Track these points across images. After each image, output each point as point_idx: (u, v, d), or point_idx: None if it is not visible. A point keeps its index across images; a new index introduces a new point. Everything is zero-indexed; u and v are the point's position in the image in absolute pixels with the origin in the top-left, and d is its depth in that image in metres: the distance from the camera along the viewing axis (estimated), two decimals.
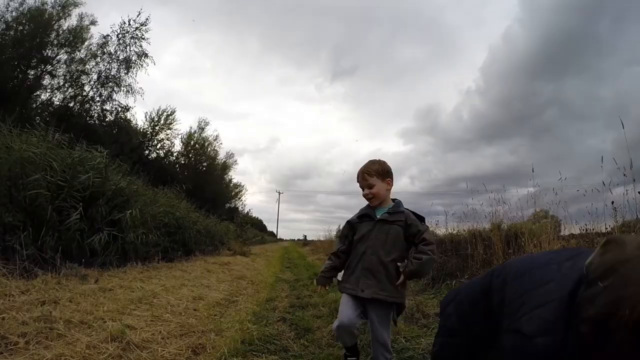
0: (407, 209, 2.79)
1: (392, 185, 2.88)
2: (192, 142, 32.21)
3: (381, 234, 2.71)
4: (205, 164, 33.29)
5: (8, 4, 16.58)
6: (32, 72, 17.82)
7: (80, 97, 19.33)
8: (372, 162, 2.89)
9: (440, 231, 8.92)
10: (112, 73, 19.85)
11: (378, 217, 2.77)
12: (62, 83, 18.75)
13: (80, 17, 19.26)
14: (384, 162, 2.92)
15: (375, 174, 2.84)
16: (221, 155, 36.71)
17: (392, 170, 2.92)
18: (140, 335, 3.44)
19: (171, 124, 26.46)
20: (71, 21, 18.92)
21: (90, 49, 19.57)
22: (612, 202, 4.14)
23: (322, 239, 22.46)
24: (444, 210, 13.97)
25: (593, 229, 4.61)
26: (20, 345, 2.83)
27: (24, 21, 17.01)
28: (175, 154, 29.82)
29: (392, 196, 2.90)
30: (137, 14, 19.92)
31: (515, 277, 1.20)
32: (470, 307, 1.38)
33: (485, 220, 6.87)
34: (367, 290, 2.60)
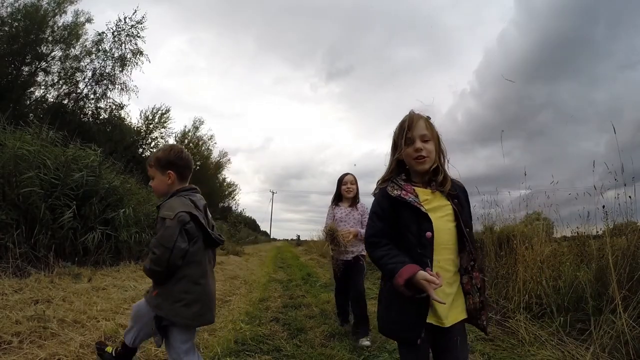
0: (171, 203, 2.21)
1: (176, 178, 2.31)
2: (186, 141, 32.19)
3: None
4: (198, 163, 33.28)
5: None
6: (27, 69, 17.72)
7: (74, 94, 19.24)
8: (158, 149, 2.42)
9: None
10: (106, 70, 19.77)
11: None
12: (56, 80, 18.68)
13: (76, 14, 19.20)
14: (172, 148, 2.38)
15: (154, 163, 2.32)
16: (215, 154, 36.75)
17: (181, 161, 2.32)
18: None
19: (165, 122, 26.38)
20: (66, 18, 18.85)
21: (85, 46, 19.49)
22: (604, 206, 4.18)
23: (315, 239, 22.45)
24: None
25: (584, 232, 4.66)
26: (14, 345, 2.83)
27: (18, 17, 16.89)
28: None
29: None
30: (133, 11, 19.84)
31: None
32: None
33: (477, 222, 6.89)
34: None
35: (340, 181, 4.37)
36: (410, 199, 1.69)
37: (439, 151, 1.82)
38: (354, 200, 4.35)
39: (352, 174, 4.40)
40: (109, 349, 2.69)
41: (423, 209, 1.67)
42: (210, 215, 2.42)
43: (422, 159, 1.74)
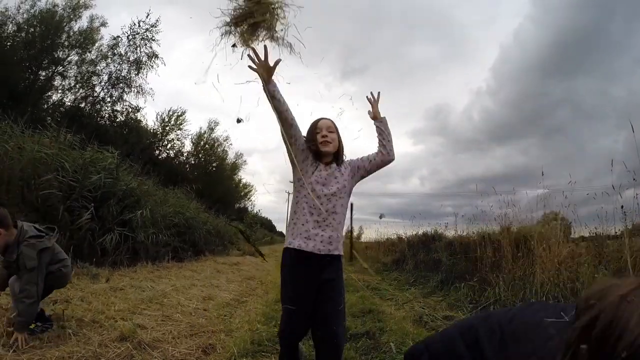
0: None
1: (5, 230, 2.90)
2: (202, 143, 32.29)
3: None
4: (215, 164, 33.37)
5: (19, 6, 16.77)
6: (43, 73, 17.98)
7: (91, 97, 19.47)
8: None
9: (450, 233, 8.95)
10: (122, 74, 19.98)
11: None
12: (73, 84, 18.92)
13: (91, 19, 19.41)
14: None
15: None
16: (231, 156, 36.82)
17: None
18: (151, 334, 3.48)
19: (181, 124, 26.59)
20: (82, 23, 19.06)
21: (101, 50, 19.72)
22: (622, 207, 4.12)
23: None
24: (453, 212, 13.87)
25: (603, 233, 4.59)
26: (35, 344, 2.88)
27: (35, 23, 17.16)
28: (185, 154, 29.94)
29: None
30: (146, 15, 20.01)
31: (513, 340, 1.00)
32: None
33: (494, 222, 6.83)
34: None
35: (314, 128, 2.47)
36: None
37: None
38: (336, 159, 2.50)
39: (329, 119, 2.54)
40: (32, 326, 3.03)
41: None
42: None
43: None
